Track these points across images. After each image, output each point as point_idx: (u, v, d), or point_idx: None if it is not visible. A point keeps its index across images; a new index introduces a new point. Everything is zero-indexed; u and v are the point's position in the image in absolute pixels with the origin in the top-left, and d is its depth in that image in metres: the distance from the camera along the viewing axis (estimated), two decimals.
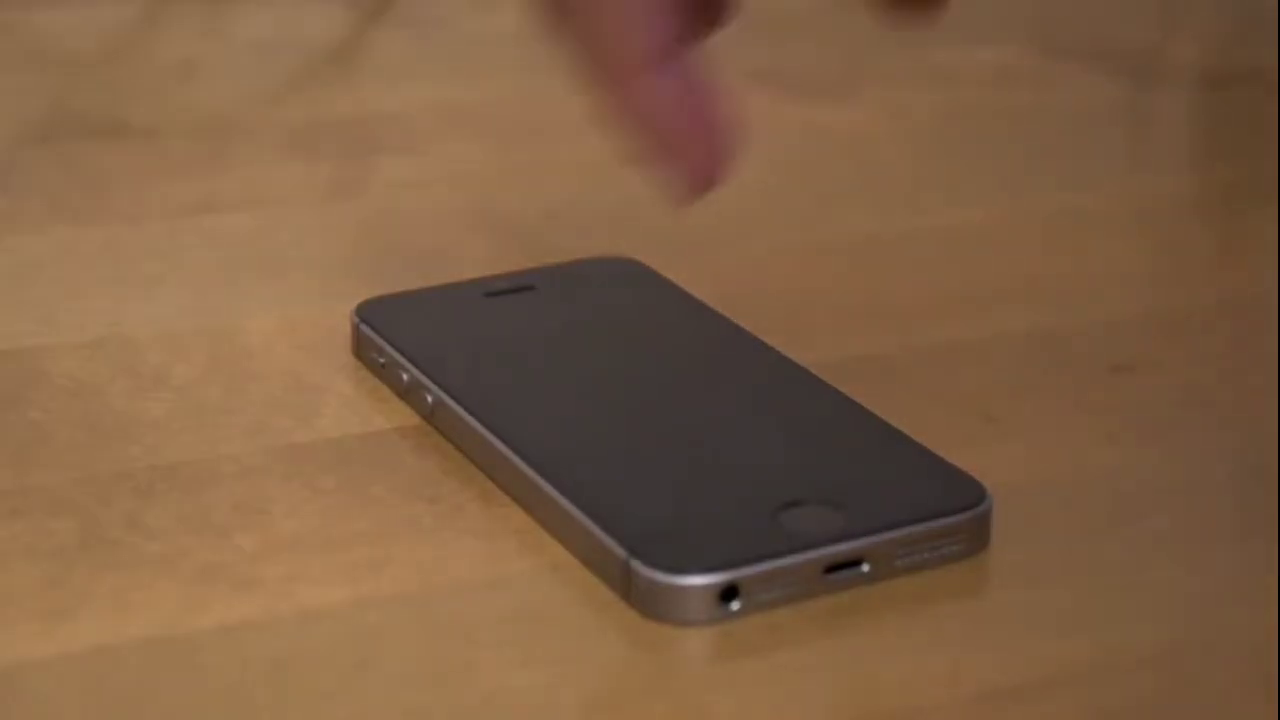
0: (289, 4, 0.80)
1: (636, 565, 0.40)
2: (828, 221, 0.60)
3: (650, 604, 0.40)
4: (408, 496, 0.44)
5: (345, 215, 0.60)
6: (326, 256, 0.57)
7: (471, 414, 0.45)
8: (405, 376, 0.48)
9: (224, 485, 0.45)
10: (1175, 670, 0.38)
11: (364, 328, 0.50)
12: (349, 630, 0.39)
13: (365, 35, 0.77)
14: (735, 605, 0.40)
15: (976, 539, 0.42)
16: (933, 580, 0.41)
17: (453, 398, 0.46)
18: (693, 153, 0.43)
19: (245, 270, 0.56)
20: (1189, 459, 0.46)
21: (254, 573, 0.41)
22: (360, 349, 0.50)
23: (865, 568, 0.41)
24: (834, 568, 0.40)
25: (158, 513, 0.43)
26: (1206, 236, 0.59)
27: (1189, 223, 0.60)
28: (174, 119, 0.68)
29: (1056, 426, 0.48)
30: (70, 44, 0.75)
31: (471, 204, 0.61)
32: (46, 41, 0.76)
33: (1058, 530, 0.43)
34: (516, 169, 0.64)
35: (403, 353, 0.48)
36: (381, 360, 0.49)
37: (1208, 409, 0.48)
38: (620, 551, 0.40)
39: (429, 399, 0.47)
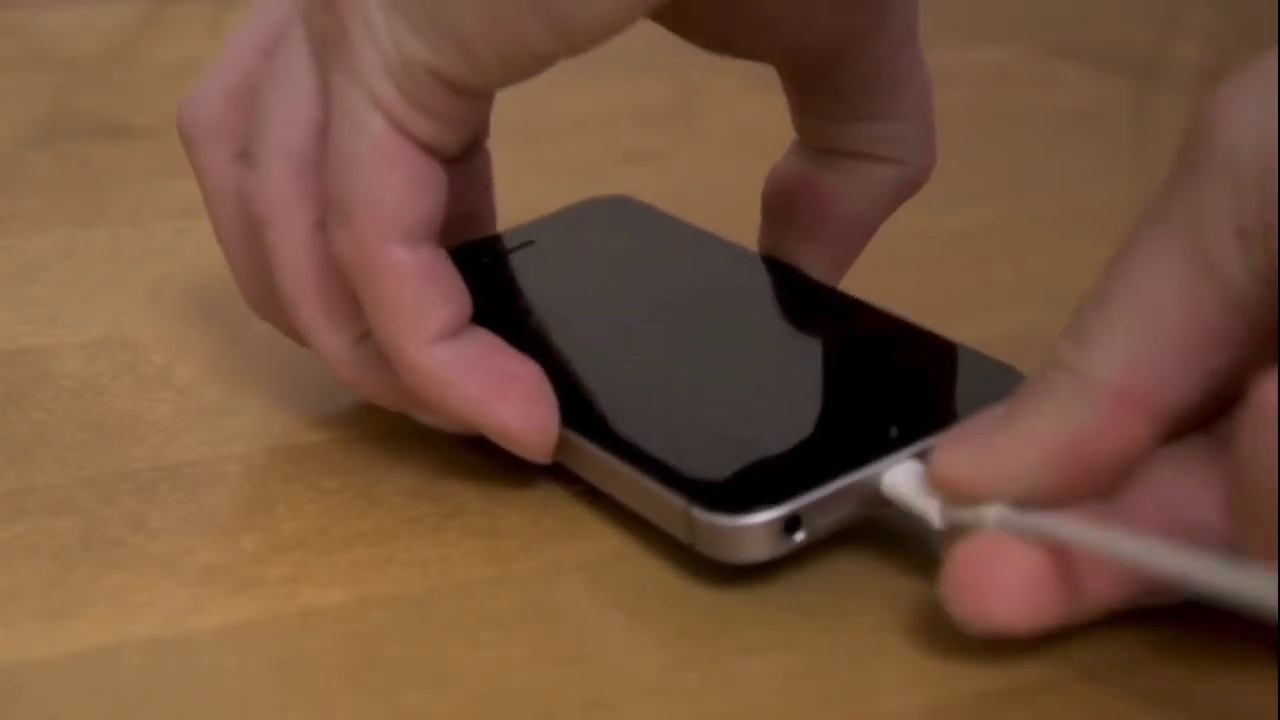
0: None
1: (697, 513, 0.39)
2: None
3: (717, 548, 0.39)
4: (411, 497, 0.44)
5: None
6: None
7: None
8: None
9: (227, 485, 0.45)
10: (1176, 671, 0.38)
11: None
12: (352, 630, 0.39)
13: None
14: (800, 535, 0.39)
15: None
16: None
17: None
18: (505, 408, 0.42)
19: None
20: None
21: (257, 573, 0.41)
22: None
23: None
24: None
25: (160, 513, 0.43)
26: None
27: None
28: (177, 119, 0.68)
29: None
30: (73, 44, 0.75)
31: None
32: (49, 42, 0.76)
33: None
34: (516, 168, 0.64)
35: None
36: None
37: None
38: (679, 502, 0.40)
39: None
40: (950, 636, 0.39)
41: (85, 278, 0.55)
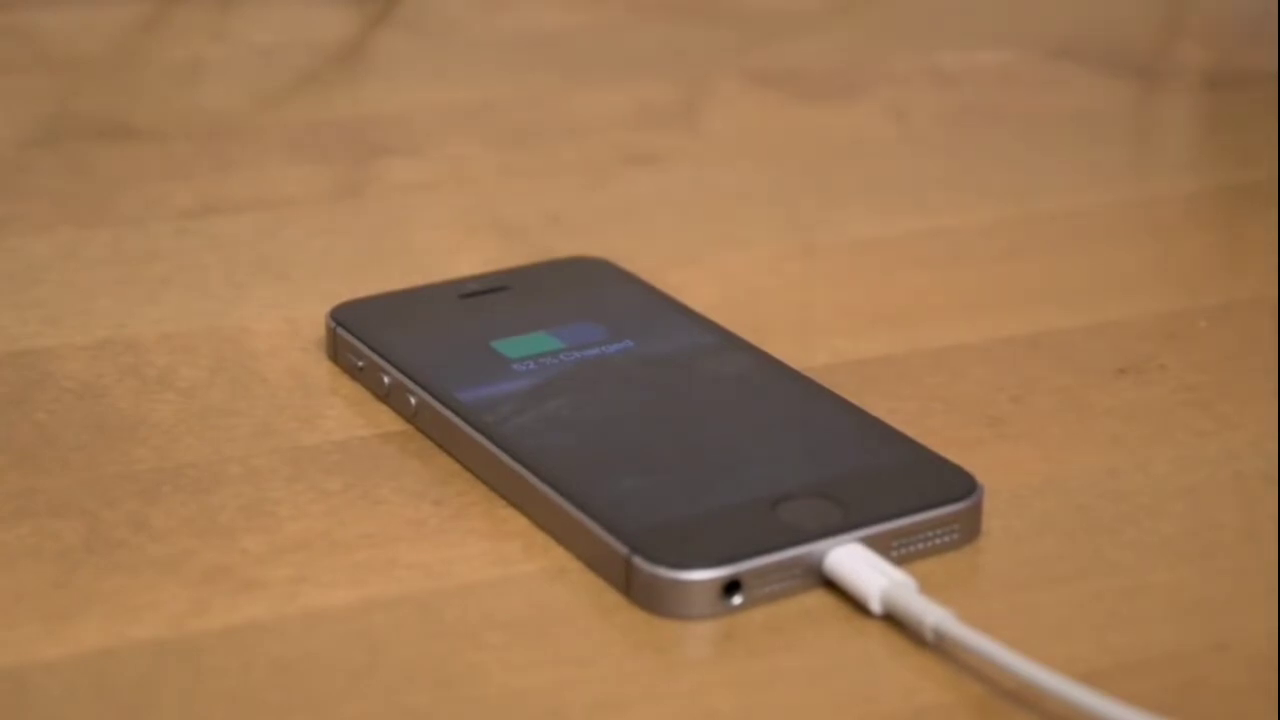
0: (293, 6, 0.81)
1: (638, 562, 0.40)
2: (830, 223, 0.60)
3: (653, 601, 0.40)
4: (413, 498, 0.44)
5: (349, 216, 0.60)
6: (331, 258, 0.57)
7: (459, 416, 0.45)
8: (386, 379, 0.48)
9: (229, 487, 0.45)
10: (1177, 673, 0.38)
11: (340, 331, 0.50)
12: (355, 632, 0.39)
13: (369, 37, 0.77)
14: (738, 600, 0.40)
15: (969, 529, 0.42)
16: (935, 582, 0.41)
17: (438, 400, 0.46)
18: None
19: (250, 272, 0.56)
20: (1192, 461, 0.46)
21: (259, 574, 0.41)
22: (337, 352, 0.50)
23: None
24: None
25: (163, 514, 0.43)
26: (1210, 239, 0.59)
27: (1192, 225, 0.60)
28: (179, 120, 0.68)
29: (1061, 428, 0.48)
30: (76, 45, 0.75)
31: (474, 205, 0.61)
32: (52, 43, 0.76)
33: (1061, 532, 0.43)
34: (519, 170, 0.64)
35: (383, 355, 0.48)
36: (360, 363, 0.49)
37: (1211, 411, 0.48)
38: (621, 549, 0.40)
39: (412, 401, 0.47)
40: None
41: (87, 279, 0.55)
